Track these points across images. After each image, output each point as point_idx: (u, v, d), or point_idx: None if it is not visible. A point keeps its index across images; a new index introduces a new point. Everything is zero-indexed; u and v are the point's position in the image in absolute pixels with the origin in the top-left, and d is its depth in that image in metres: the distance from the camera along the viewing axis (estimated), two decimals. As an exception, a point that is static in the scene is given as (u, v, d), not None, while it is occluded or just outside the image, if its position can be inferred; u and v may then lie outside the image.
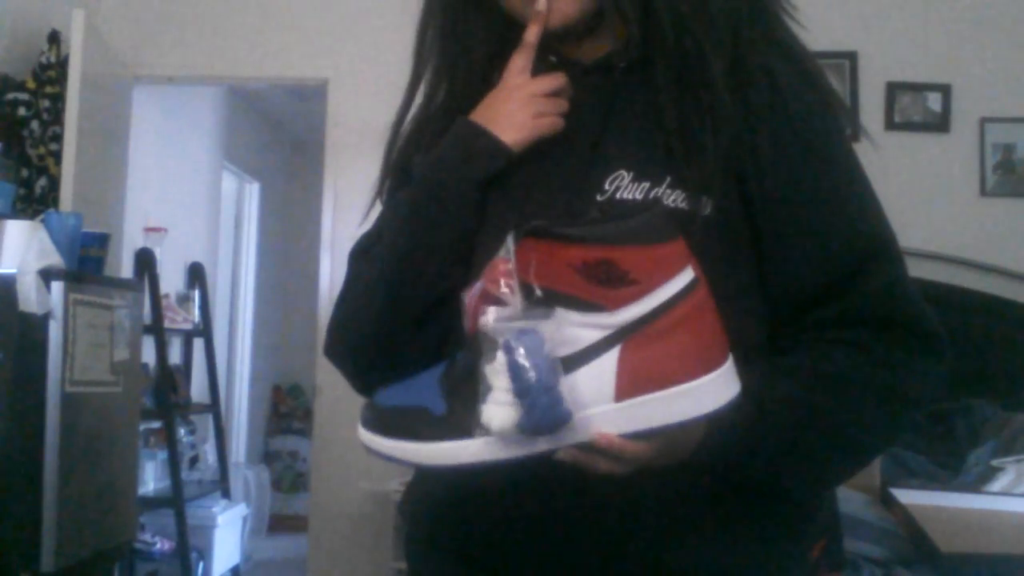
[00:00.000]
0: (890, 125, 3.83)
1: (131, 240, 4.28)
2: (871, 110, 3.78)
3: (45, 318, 2.71)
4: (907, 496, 2.47)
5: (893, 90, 3.85)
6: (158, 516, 4.24)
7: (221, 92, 5.63)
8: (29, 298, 2.65)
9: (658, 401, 0.77)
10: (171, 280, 4.80)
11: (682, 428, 0.78)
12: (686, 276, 0.76)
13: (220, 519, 4.61)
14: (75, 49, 3.43)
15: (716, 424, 0.80)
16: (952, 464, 2.94)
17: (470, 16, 1.04)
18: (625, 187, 0.94)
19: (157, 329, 4.27)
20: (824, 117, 0.97)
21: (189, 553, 4.23)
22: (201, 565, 4.47)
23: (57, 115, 3.46)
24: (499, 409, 0.76)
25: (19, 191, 3.27)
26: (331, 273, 4.13)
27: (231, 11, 4.18)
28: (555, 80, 0.99)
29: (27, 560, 2.64)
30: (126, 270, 4.14)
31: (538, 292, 0.75)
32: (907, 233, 1.09)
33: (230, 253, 6.17)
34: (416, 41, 1.06)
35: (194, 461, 4.81)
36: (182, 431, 4.62)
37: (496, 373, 0.75)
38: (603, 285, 0.74)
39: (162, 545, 4.19)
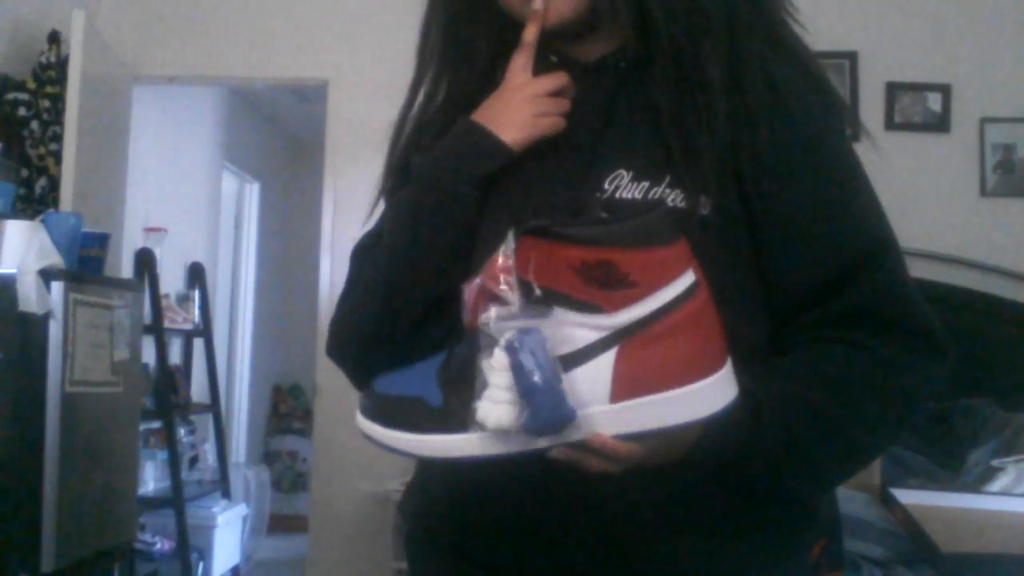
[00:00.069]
0: (890, 125, 3.84)
1: (131, 240, 4.28)
2: (871, 110, 3.78)
3: (45, 318, 2.71)
4: (907, 496, 2.47)
5: (893, 90, 3.85)
6: (158, 516, 4.23)
7: (221, 92, 5.63)
8: (29, 298, 2.65)
9: (653, 404, 0.77)
10: (171, 280, 4.80)
11: (676, 431, 0.78)
12: (686, 279, 0.76)
13: (220, 519, 4.61)
14: (75, 49, 3.43)
15: (712, 424, 0.80)
16: (952, 464, 2.94)
17: (472, 17, 1.04)
18: (624, 186, 0.94)
19: (157, 329, 4.27)
20: (824, 117, 0.97)
21: (189, 553, 4.23)
22: (201, 565, 4.47)
23: (57, 115, 3.46)
24: (495, 407, 0.76)
25: (19, 191, 3.27)
26: (331, 273, 4.13)
27: (231, 11, 4.18)
28: (557, 79, 0.99)
29: (27, 560, 2.64)
30: (126, 270, 4.14)
31: (537, 291, 0.75)
32: (907, 233, 1.09)
33: (230, 253, 6.17)
34: (419, 40, 1.07)
35: (194, 461, 4.81)
36: (182, 431, 4.62)
37: (493, 370, 0.76)
38: (602, 287, 0.74)
39: (162, 545, 4.19)
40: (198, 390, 5.09)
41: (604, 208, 0.91)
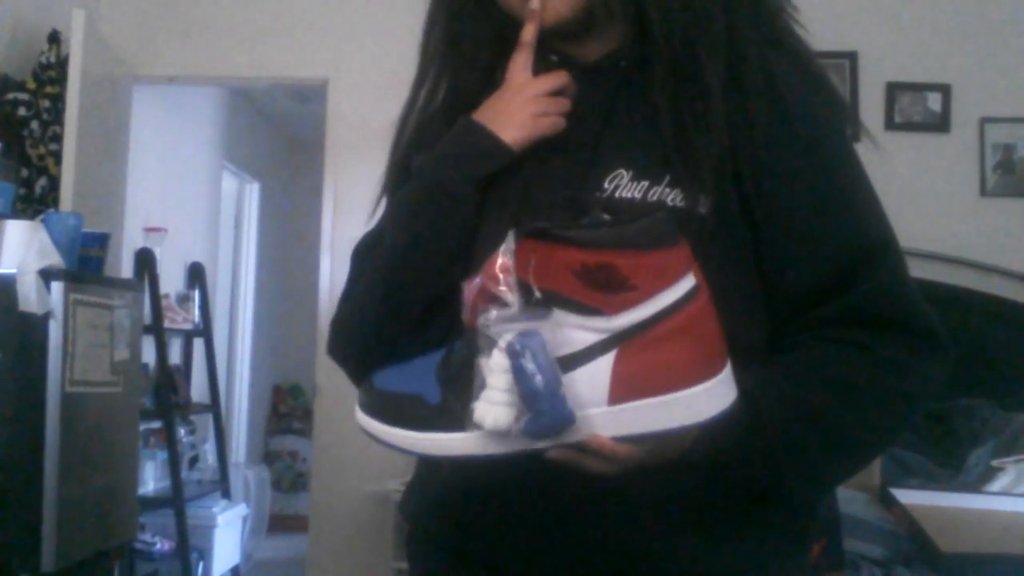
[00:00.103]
0: (890, 125, 3.83)
1: (131, 240, 4.28)
2: (871, 110, 3.77)
3: (45, 318, 2.71)
4: (907, 496, 2.47)
5: (893, 90, 3.85)
6: (158, 516, 4.23)
7: (221, 92, 5.63)
8: (29, 298, 2.65)
9: (651, 407, 0.77)
10: (171, 280, 4.80)
11: (674, 434, 0.78)
12: (687, 283, 0.76)
13: (220, 519, 4.61)
14: (75, 49, 3.42)
15: (710, 424, 0.80)
16: (952, 464, 2.94)
17: (473, 16, 1.04)
18: (624, 186, 0.94)
19: (157, 329, 4.27)
20: (825, 117, 0.97)
21: (189, 553, 4.23)
22: (201, 565, 4.47)
23: (57, 115, 3.46)
24: (492, 408, 0.76)
25: (19, 191, 3.27)
26: (331, 273, 4.13)
27: (231, 11, 4.18)
28: (557, 79, 0.99)
29: (27, 560, 2.64)
30: (126, 270, 4.14)
31: (536, 293, 0.75)
32: (907, 233, 1.09)
33: (230, 253, 6.17)
34: (422, 38, 1.07)
35: (194, 461, 4.81)
36: (182, 431, 4.62)
37: (492, 371, 0.76)
38: (602, 290, 0.74)
39: (162, 545, 4.19)
40: (198, 390, 5.09)
41: (604, 207, 0.91)
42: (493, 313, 0.76)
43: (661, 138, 0.94)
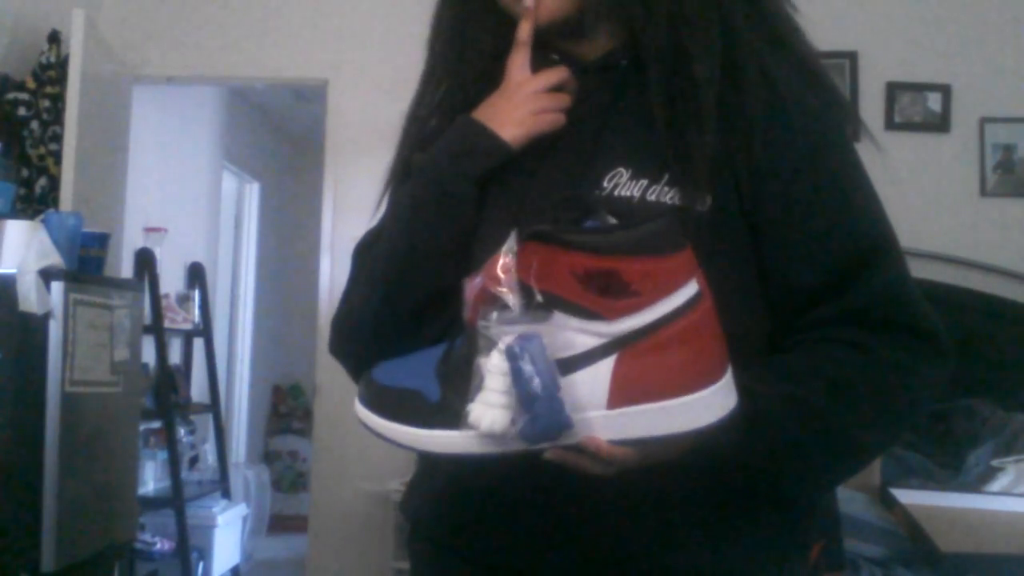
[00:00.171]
0: (890, 125, 3.84)
1: (131, 240, 4.28)
2: (871, 110, 3.78)
3: (45, 318, 2.71)
4: (907, 496, 2.47)
5: (893, 90, 3.85)
6: (158, 516, 4.24)
7: (221, 92, 5.63)
8: (29, 298, 2.65)
9: (650, 412, 0.76)
10: (171, 280, 4.80)
11: (672, 439, 0.78)
12: (689, 290, 0.76)
13: (220, 519, 4.61)
14: (75, 49, 3.42)
15: (709, 431, 0.80)
16: (952, 464, 2.94)
17: (476, 15, 1.04)
18: (623, 184, 0.94)
19: (157, 329, 4.27)
20: (824, 117, 0.97)
21: (189, 553, 4.23)
22: (201, 565, 4.47)
23: (57, 115, 3.46)
24: (488, 410, 0.76)
25: (19, 191, 3.27)
26: (331, 273, 4.13)
27: (231, 11, 4.18)
28: (556, 74, 0.99)
29: (27, 560, 2.64)
30: (126, 270, 4.14)
31: (538, 296, 0.75)
32: (907, 233, 1.09)
33: (230, 253, 6.17)
34: (430, 36, 1.07)
35: (194, 461, 4.81)
36: (182, 431, 4.62)
37: (490, 373, 0.76)
38: (603, 294, 0.74)
39: (162, 545, 4.19)
40: (198, 390, 5.09)
41: (613, 209, 0.91)
42: (494, 314, 0.76)
43: (659, 137, 0.94)
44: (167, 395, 4.28)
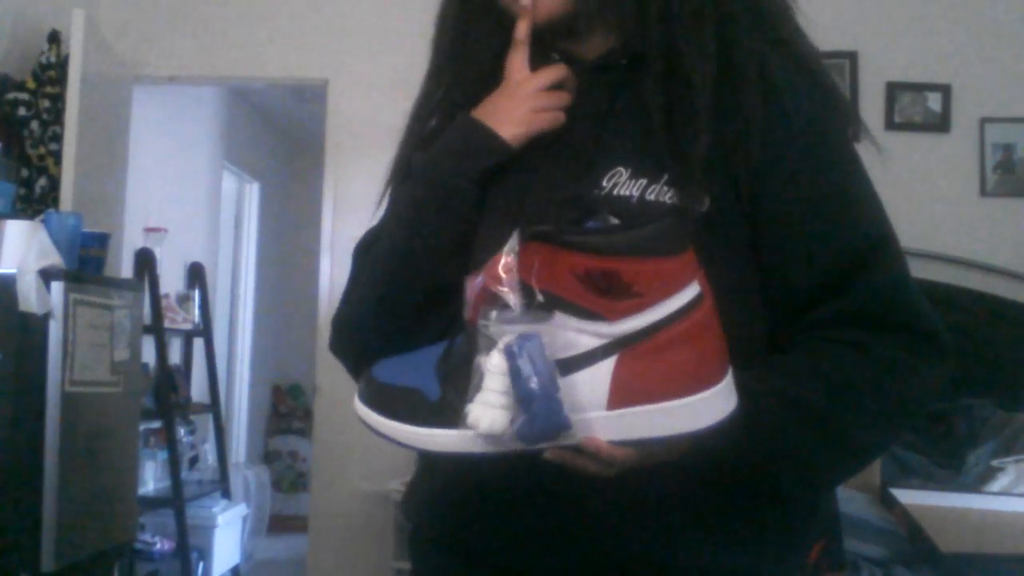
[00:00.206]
0: (890, 125, 3.84)
1: (131, 240, 4.28)
2: (871, 110, 3.78)
3: (45, 318, 2.71)
4: (907, 496, 2.47)
5: (893, 90, 3.85)
6: (158, 516, 4.24)
7: (221, 92, 5.63)
8: (29, 298, 2.65)
9: (650, 414, 0.76)
10: (171, 280, 4.80)
11: (671, 440, 0.78)
12: (691, 291, 0.76)
13: (220, 519, 4.61)
14: (75, 49, 3.42)
15: (709, 433, 0.80)
16: (952, 464, 2.94)
17: (476, 15, 1.04)
18: (623, 184, 0.94)
19: (157, 329, 4.27)
20: (824, 116, 0.97)
21: (189, 553, 4.23)
22: (201, 565, 4.47)
23: (57, 115, 3.46)
24: (487, 411, 0.76)
25: (19, 191, 3.27)
26: (331, 273, 4.13)
27: (231, 11, 4.18)
28: (555, 72, 0.99)
29: (27, 560, 2.64)
30: (126, 270, 4.14)
31: (539, 296, 0.75)
32: (907, 233, 1.09)
33: (230, 253, 6.17)
34: (435, 35, 1.07)
35: (194, 461, 4.81)
36: (182, 431, 4.62)
37: (490, 373, 0.76)
38: (605, 295, 0.74)
39: (162, 545, 4.19)
40: (198, 390, 5.09)
41: (615, 210, 0.91)
42: (494, 313, 0.76)
43: (656, 137, 0.94)
44: (167, 395, 4.28)
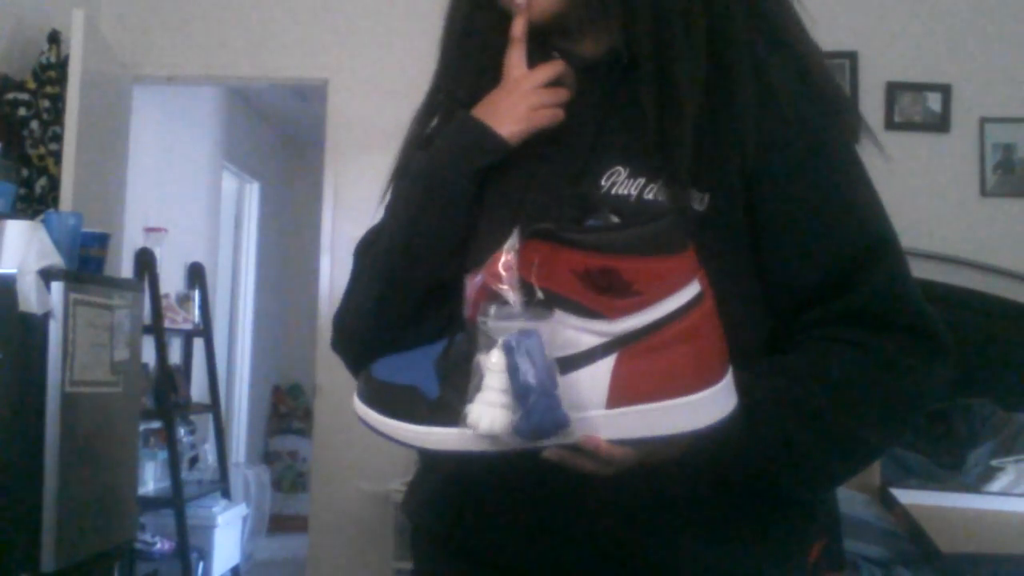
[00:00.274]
0: (890, 125, 3.84)
1: (131, 240, 4.28)
2: (871, 110, 3.77)
3: (45, 318, 2.71)
4: (907, 496, 2.47)
5: (893, 90, 3.85)
6: (158, 516, 4.24)
7: (221, 92, 5.63)
8: (29, 298, 2.65)
9: (650, 413, 0.76)
10: (171, 280, 4.80)
11: (671, 439, 0.78)
12: (691, 290, 0.75)
13: (220, 519, 4.61)
14: (75, 49, 3.43)
15: (708, 432, 0.80)
16: (952, 464, 2.94)
17: (478, 14, 1.04)
18: (621, 183, 0.94)
19: (157, 329, 4.27)
20: (822, 117, 0.97)
21: (189, 553, 4.23)
22: (201, 565, 4.47)
23: (57, 115, 3.46)
24: (489, 410, 0.76)
25: (19, 191, 3.27)
26: (331, 273, 4.13)
27: (231, 11, 4.18)
28: (553, 68, 0.99)
29: (27, 560, 2.64)
30: (126, 270, 4.14)
31: (539, 293, 0.75)
32: (907, 233, 1.09)
33: (230, 253, 6.17)
34: (442, 35, 1.07)
35: (194, 461, 4.81)
36: (182, 431, 4.62)
37: (491, 372, 0.75)
38: (604, 293, 0.74)
39: (162, 545, 4.19)
40: (198, 390, 5.09)
41: (615, 209, 0.91)
42: (493, 310, 0.76)
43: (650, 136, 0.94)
44: (167, 395, 4.28)
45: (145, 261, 4.21)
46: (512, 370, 0.73)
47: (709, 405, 0.77)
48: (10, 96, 3.40)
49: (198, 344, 5.12)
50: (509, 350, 0.73)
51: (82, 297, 2.84)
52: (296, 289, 6.51)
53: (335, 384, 3.91)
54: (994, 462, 2.78)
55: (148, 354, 4.11)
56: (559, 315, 0.75)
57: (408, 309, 0.98)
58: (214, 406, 5.05)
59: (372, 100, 3.98)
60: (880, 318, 0.91)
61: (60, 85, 3.46)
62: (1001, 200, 3.80)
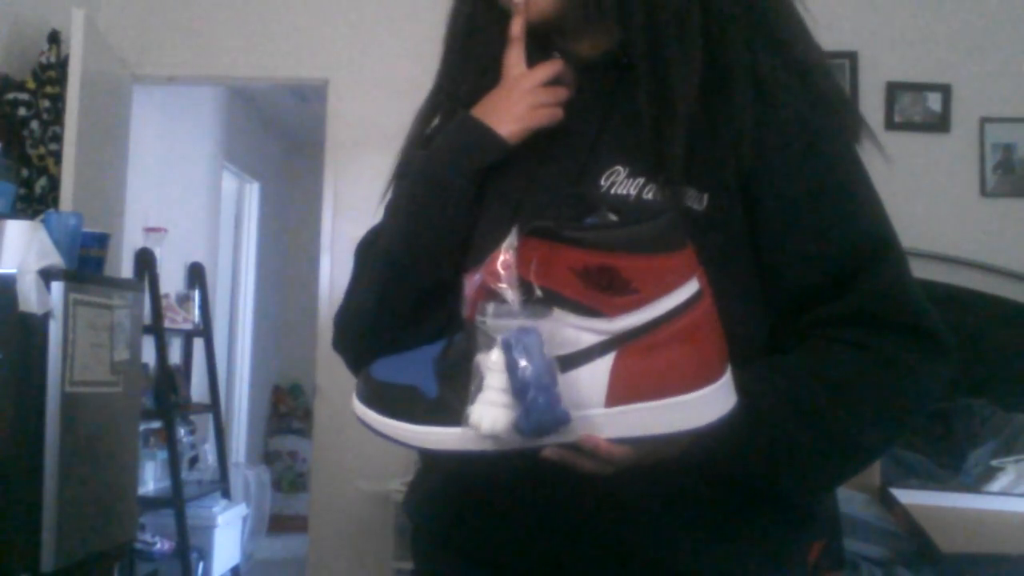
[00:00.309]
0: (890, 125, 3.84)
1: (131, 240, 4.28)
2: (871, 110, 3.77)
3: (45, 318, 2.71)
4: (907, 496, 2.47)
5: (893, 90, 3.85)
6: (158, 516, 4.24)
7: (221, 92, 5.63)
8: (29, 298, 2.65)
9: (649, 411, 0.76)
10: (171, 280, 4.80)
11: (670, 438, 0.78)
12: (690, 288, 0.75)
13: (220, 519, 4.61)
14: (75, 49, 3.42)
15: (707, 431, 0.80)
16: (952, 464, 2.94)
17: (479, 14, 1.04)
18: (620, 182, 0.94)
19: (157, 329, 4.27)
20: (823, 116, 0.96)
21: (189, 553, 4.23)
22: (201, 565, 4.47)
23: (57, 115, 3.46)
24: (490, 410, 0.76)
25: (19, 191, 3.27)
26: (331, 273, 4.13)
27: (231, 11, 4.18)
28: (552, 67, 0.99)
29: (27, 560, 2.64)
30: (126, 270, 4.14)
31: (537, 291, 0.75)
32: (907, 233, 1.09)
33: (230, 253, 6.17)
34: (446, 34, 1.07)
35: (194, 461, 4.81)
36: (182, 431, 4.62)
37: (491, 371, 0.75)
38: (603, 291, 0.74)
39: (162, 545, 4.19)
40: (198, 390, 5.09)
41: (615, 207, 0.91)
42: (491, 309, 0.76)
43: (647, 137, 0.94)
44: (167, 395, 4.28)
45: (145, 261, 4.21)
46: (511, 367, 0.73)
47: (708, 403, 0.77)
48: (10, 96, 3.40)
49: (198, 344, 5.12)
50: (507, 347, 0.73)
51: (82, 297, 2.84)
52: (296, 289, 6.51)
53: (335, 384, 3.91)
54: (994, 462, 2.78)
55: (148, 354, 4.11)
56: (558, 313, 0.75)
57: (408, 309, 0.98)
58: (214, 406, 5.05)
59: (372, 100, 3.98)
60: (880, 318, 0.91)
61: (60, 85, 3.46)
62: (1001, 200, 3.80)
